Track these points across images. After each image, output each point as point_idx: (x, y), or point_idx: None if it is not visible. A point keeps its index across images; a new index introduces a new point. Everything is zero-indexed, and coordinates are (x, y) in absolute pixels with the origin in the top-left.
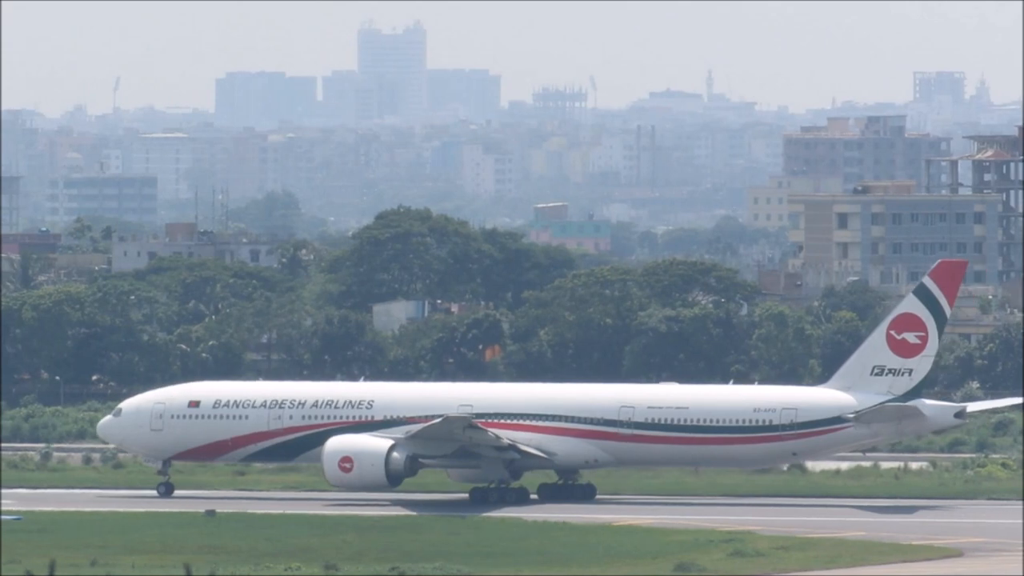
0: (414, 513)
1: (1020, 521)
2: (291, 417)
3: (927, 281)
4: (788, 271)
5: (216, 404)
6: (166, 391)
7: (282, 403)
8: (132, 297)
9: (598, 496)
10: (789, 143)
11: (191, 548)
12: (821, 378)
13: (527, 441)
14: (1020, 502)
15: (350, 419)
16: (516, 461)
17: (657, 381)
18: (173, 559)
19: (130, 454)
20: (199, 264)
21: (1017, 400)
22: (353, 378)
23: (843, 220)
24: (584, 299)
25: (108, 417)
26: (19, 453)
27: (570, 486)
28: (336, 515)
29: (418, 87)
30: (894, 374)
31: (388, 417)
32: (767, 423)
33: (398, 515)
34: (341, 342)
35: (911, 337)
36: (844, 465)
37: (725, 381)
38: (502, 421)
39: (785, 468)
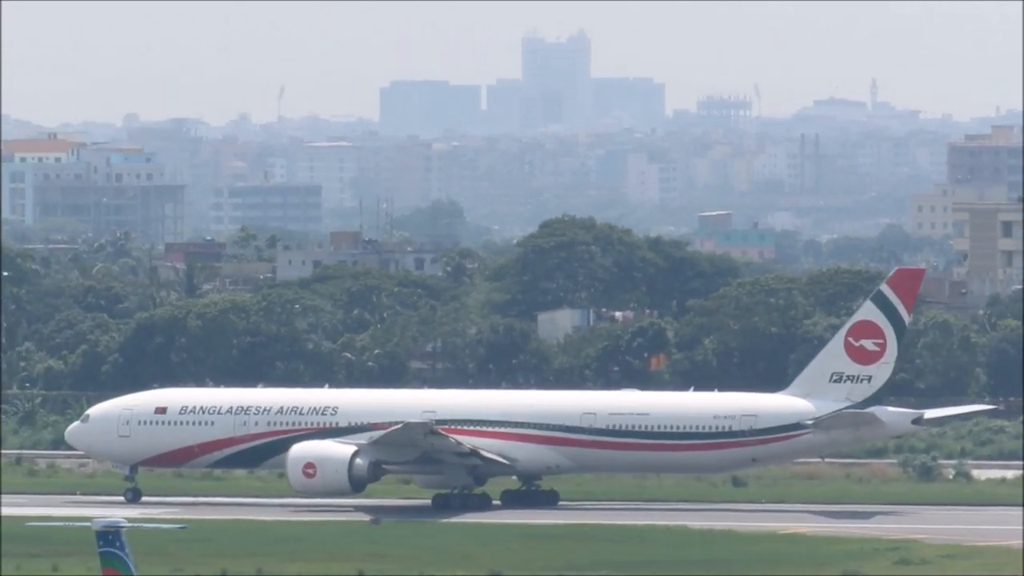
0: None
1: None
2: (256, 423)
3: (885, 288)
4: (953, 279)
5: (183, 410)
6: (133, 397)
7: (248, 409)
8: (297, 306)
9: (560, 502)
10: (953, 151)
11: (357, 556)
12: (986, 388)
13: (490, 447)
14: None
15: (315, 425)
16: (479, 467)
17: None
18: (339, 567)
19: (97, 460)
20: (364, 273)
21: (977, 407)
22: (518, 387)
23: (1007, 228)
24: (749, 307)
25: (76, 423)
26: None
27: (533, 492)
28: (499, 523)
29: (582, 95)
30: (853, 381)
31: (352, 423)
32: (726, 429)
33: (566, 523)
34: (506, 351)
35: (869, 344)
36: (1010, 474)
37: (890, 391)
38: (465, 428)
39: (946, 476)
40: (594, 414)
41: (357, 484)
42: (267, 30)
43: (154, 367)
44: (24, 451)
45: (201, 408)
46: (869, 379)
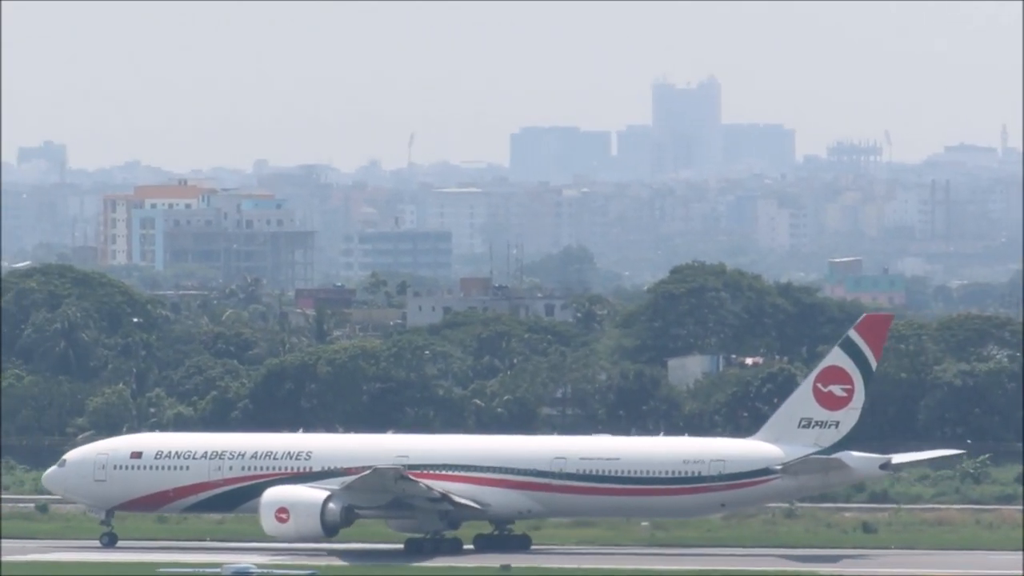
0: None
1: None
2: (231, 468)
3: (853, 335)
4: None
5: (158, 455)
6: (109, 442)
7: (222, 454)
8: (427, 352)
9: (532, 547)
10: None
11: None
12: None
13: (461, 492)
14: None
15: (289, 470)
16: (451, 512)
17: (956, 437)
18: None
19: (74, 504)
20: (494, 319)
21: (943, 452)
22: (649, 433)
23: None
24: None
25: (53, 468)
26: None
27: (505, 536)
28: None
29: (712, 141)
30: (821, 426)
31: (326, 468)
32: (696, 474)
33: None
34: (636, 397)
35: (837, 390)
36: None
37: (1019, 439)
38: (438, 472)
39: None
40: (565, 459)
41: (330, 529)
42: (397, 76)
43: (284, 413)
44: None
45: (176, 453)
46: (837, 424)
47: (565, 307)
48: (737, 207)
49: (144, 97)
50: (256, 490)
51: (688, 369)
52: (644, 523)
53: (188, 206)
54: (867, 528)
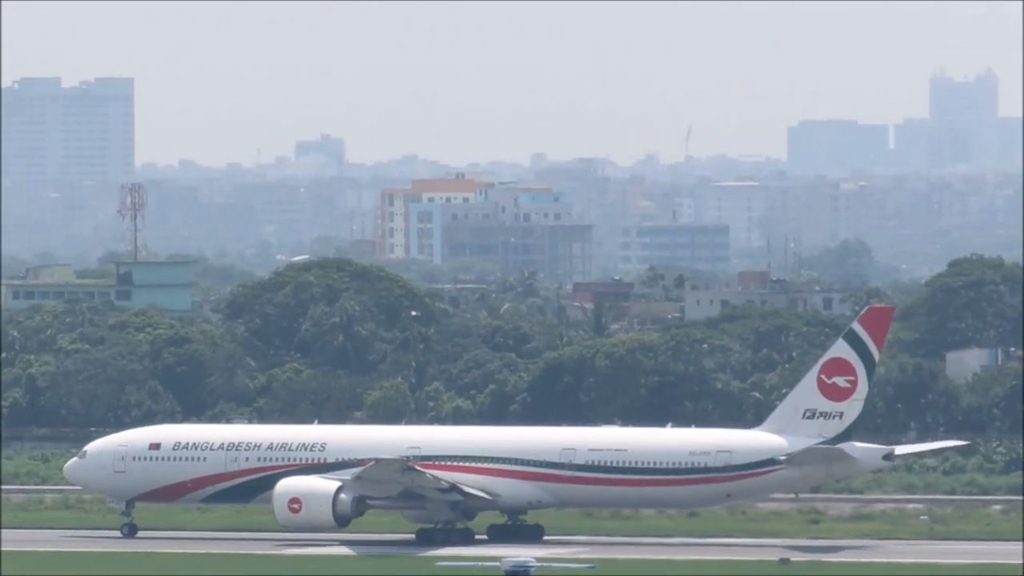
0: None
1: None
2: (247, 459)
3: (856, 327)
4: None
5: (176, 446)
6: (128, 434)
7: (239, 446)
8: (705, 345)
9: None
10: None
11: None
12: None
13: (472, 483)
14: None
15: (304, 461)
16: (461, 502)
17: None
18: None
19: (94, 495)
20: (772, 312)
21: (947, 443)
22: (927, 427)
23: None
24: None
25: (74, 459)
26: None
27: (518, 526)
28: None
29: (989, 134)
30: (825, 417)
31: (340, 459)
32: (702, 465)
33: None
34: (914, 390)
35: (841, 381)
36: None
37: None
38: (449, 463)
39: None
40: (574, 450)
41: (341, 519)
42: (674, 71)
43: (562, 406)
44: None
45: (194, 444)
46: (841, 415)
47: (843, 300)
48: (1015, 200)
49: (422, 91)
50: (272, 481)
51: (966, 363)
52: (923, 516)
53: (466, 200)
54: None
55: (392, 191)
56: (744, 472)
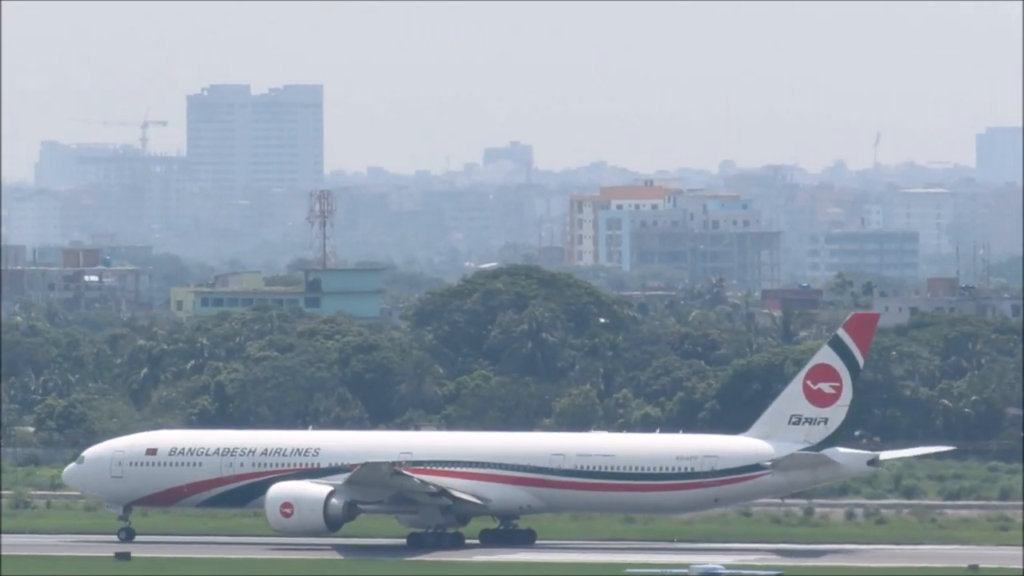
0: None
1: None
2: (242, 464)
3: (841, 333)
4: None
5: (172, 452)
6: (126, 439)
7: (234, 451)
8: (894, 352)
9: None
10: None
11: None
12: None
13: (463, 488)
14: None
15: (298, 466)
16: (453, 507)
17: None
18: None
19: (92, 500)
20: (960, 319)
21: (933, 448)
22: None
23: None
24: None
25: (72, 464)
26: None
27: (510, 531)
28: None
29: None
30: (810, 423)
31: (333, 464)
32: (689, 471)
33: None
34: None
35: (826, 387)
36: None
37: None
38: (441, 468)
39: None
40: (563, 455)
41: (332, 523)
42: (863, 78)
43: (752, 413)
44: None
45: (189, 450)
46: (826, 421)
47: None
48: None
49: (611, 98)
50: (267, 486)
51: None
52: None
53: (654, 207)
54: None
55: (581, 198)
56: (731, 477)
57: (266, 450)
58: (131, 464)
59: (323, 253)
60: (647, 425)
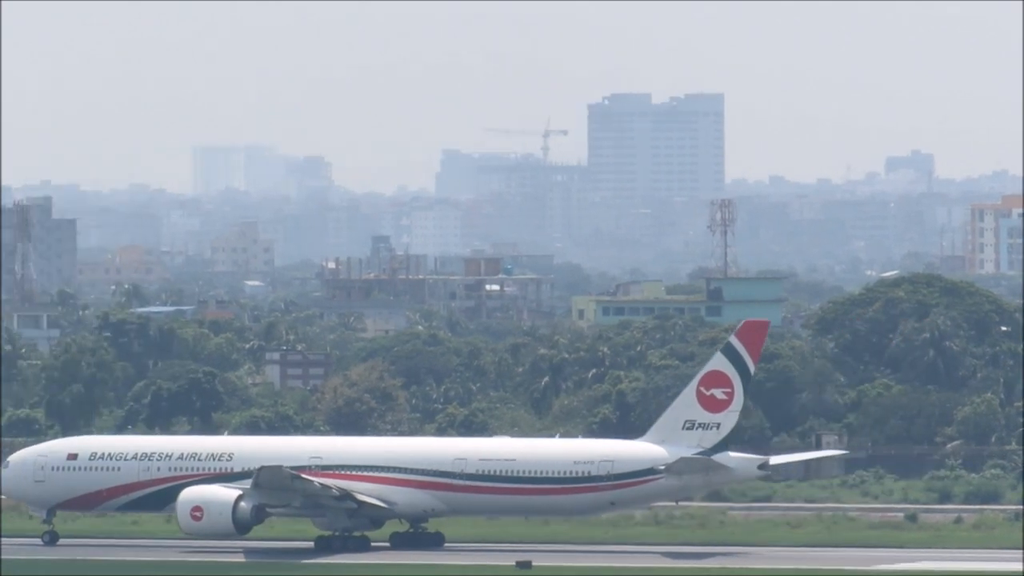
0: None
1: None
2: (159, 469)
3: (733, 340)
4: None
5: (92, 456)
6: (48, 445)
7: (151, 456)
8: None
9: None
10: None
11: None
12: None
13: (368, 491)
14: None
15: (212, 471)
16: (360, 510)
17: None
18: None
19: (16, 503)
20: None
21: (823, 453)
22: None
23: None
24: None
25: None
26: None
27: (419, 534)
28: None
29: None
30: (703, 428)
31: (246, 469)
32: (586, 474)
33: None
34: None
35: (719, 393)
36: None
37: None
38: (348, 472)
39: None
40: (465, 459)
41: (241, 526)
42: None
43: None
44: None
45: (109, 454)
46: (718, 426)
47: None
48: None
49: (1007, 105)
50: (182, 490)
51: None
52: None
53: None
54: None
55: (982, 206)
56: (626, 481)
57: (182, 455)
58: (53, 469)
59: (724, 262)
60: None
